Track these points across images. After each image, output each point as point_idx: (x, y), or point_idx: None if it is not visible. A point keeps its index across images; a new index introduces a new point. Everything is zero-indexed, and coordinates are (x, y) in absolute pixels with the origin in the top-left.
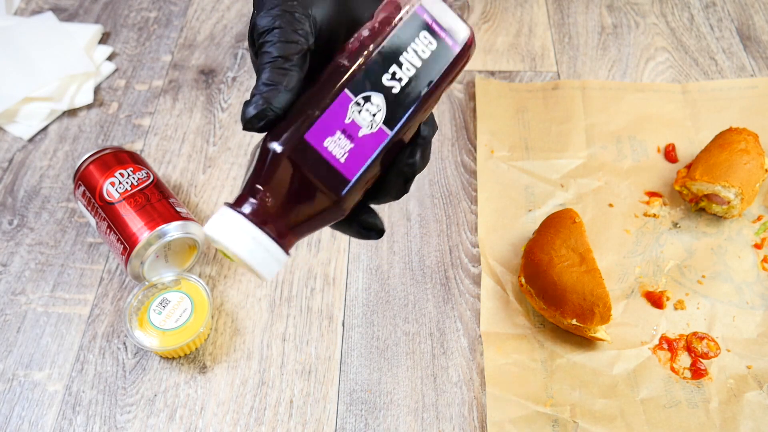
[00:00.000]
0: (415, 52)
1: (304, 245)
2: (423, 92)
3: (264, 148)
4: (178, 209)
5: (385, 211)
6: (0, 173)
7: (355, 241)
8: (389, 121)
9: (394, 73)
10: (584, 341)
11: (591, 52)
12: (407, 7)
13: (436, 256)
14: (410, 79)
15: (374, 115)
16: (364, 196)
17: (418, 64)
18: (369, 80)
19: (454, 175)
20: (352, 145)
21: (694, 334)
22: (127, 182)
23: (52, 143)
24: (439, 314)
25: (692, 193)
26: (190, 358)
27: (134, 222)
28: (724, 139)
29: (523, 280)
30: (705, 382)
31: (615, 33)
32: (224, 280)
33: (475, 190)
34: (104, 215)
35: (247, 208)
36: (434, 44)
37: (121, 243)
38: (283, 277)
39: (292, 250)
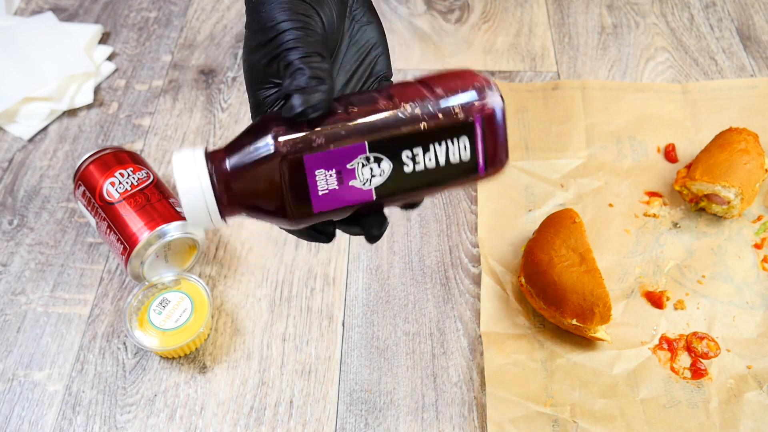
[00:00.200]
0: (447, 149)
1: (304, 245)
2: (427, 187)
3: (264, 133)
4: (178, 209)
5: (384, 210)
6: (0, 173)
7: (355, 241)
8: (382, 189)
9: (416, 155)
10: (584, 341)
11: (591, 52)
12: (475, 101)
13: (436, 256)
14: (425, 170)
15: (373, 177)
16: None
17: (442, 162)
18: (390, 145)
19: None
20: (336, 187)
21: (694, 334)
22: (127, 182)
23: (52, 143)
24: (439, 314)
25: (692, 193)
26: (190, 358)
27: (134, 222)
28: (724, 139)
29: (523, 280)
30: (705, 382)
31: (615, 33)
32: (224, 280)
33: (475, 190)
34: (104, 215)
35: (215, 162)
36: (467, 158)
37: (121, 243)
38: (283, 277)
39: (229, 221)
